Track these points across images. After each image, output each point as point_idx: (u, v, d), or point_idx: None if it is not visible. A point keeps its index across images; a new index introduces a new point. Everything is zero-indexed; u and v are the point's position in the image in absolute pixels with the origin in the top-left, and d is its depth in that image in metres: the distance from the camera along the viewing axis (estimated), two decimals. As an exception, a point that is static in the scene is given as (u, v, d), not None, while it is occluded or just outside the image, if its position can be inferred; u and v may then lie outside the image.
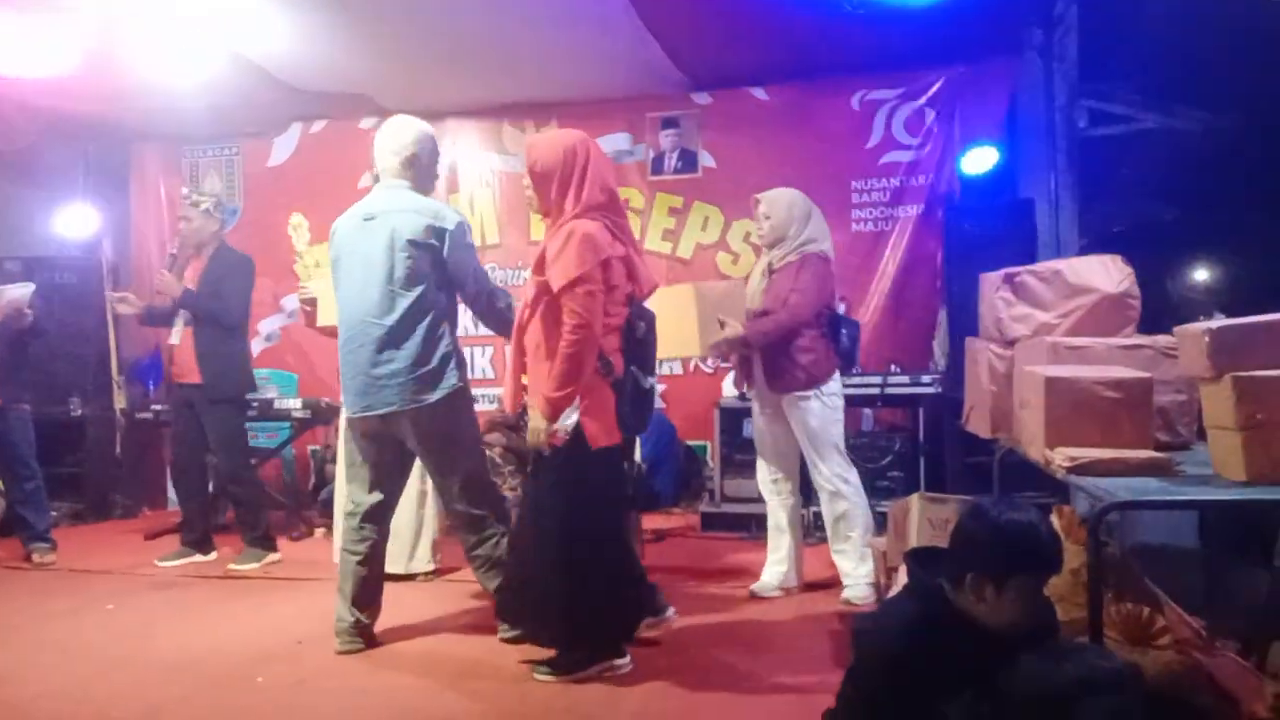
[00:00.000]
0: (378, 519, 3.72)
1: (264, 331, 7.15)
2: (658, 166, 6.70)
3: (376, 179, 3.75)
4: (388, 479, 3.74)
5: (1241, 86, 6.19)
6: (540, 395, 3.19)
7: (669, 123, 6.69)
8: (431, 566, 4.83)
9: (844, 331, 4.31)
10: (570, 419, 3.18)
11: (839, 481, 4.17)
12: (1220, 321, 2.53)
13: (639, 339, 3.24)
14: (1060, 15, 5.94)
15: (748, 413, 5.59)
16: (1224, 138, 6.61)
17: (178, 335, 5.12)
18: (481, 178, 6.98)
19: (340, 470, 4.84)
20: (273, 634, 3.93)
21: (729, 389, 5.99)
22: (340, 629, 3.69)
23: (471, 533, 3.69)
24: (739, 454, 5.63)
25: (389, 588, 4.62)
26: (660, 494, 5.90)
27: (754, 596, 4.28)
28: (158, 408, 6.29)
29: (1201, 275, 12.24)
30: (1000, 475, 5.12)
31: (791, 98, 6.44)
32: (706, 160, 6.63)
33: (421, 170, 3.72)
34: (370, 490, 3.71)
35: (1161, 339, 3.19)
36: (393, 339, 3.53)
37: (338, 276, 3.71)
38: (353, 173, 7.00)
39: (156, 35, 5.34)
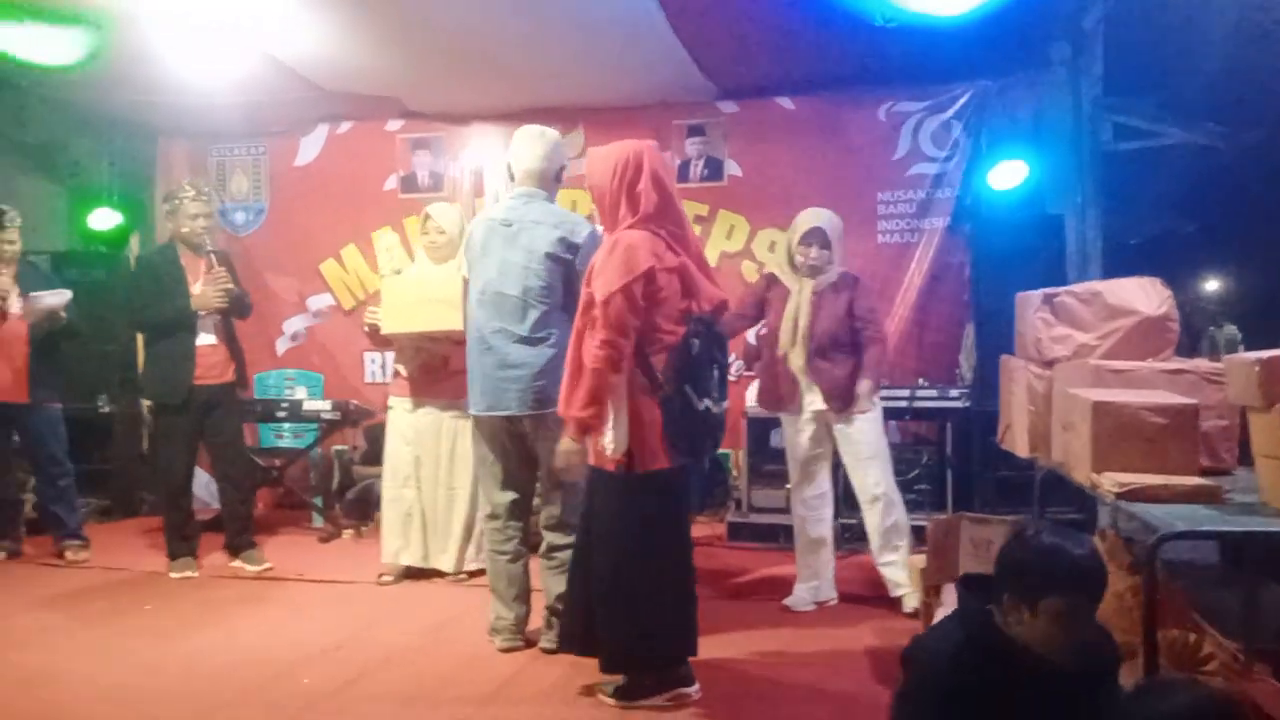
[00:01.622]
0: (518, 515, 3.84)
1: (289, 331, 7.18)
2: (683, 174, 6.71)
3: (511, 178, 3.86)
4: (518, 477, 3.84)
5: (1263, 102, 6.24)
6: (568, 413, 3.18)
7: (695, 131, 6.71)
8: (476, 567, 4.87)
9: None
10: (614, 441, 3.12)
11: (893, 491, 4.26)
12: (1272, 352, 2.56)
13: (693, 356, 3.13)
14: (1087, 30, 5.98)
15: (776, 423, 5.64)
16: (1245, 153, 6.65)
17: (209, 335, 5.03)
18: (506, 182, 6.99)
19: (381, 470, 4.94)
20: (312, 636, 3.98)
21: (753, 398, 6.03)
22: (501, 627, 3.80)
23: (562, 535, 3.73)
24: (767, 464, 5.66)
25: (441, 586, 4.69)
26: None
27: (785, 610, 4.31)
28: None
29: (1215, 287, 12.30)
30: (1022, 491, 5.18)
31: (819, 108, 6.45)
32: (732, 169, 6.66)
33: (553, 180, 3.85)
34: (503, 489, 3.82)
35: (1204, 364, 3.24)
36: (522, 347, 3.64)
37: (471, 278, 3.82)
38: (378, 174, 7.09)
39: (188, 33, 5.35)
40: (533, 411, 3.65)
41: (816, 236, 4.25)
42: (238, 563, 5.11)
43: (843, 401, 4.22)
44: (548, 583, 3.78)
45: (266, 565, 5.09)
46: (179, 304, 4.92)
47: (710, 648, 3.48)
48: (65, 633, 4.06)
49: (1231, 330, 10.50)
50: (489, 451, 3.82)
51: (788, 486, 4.58)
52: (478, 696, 3.33)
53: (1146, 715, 1.88)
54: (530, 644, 3.82)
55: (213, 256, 5.03)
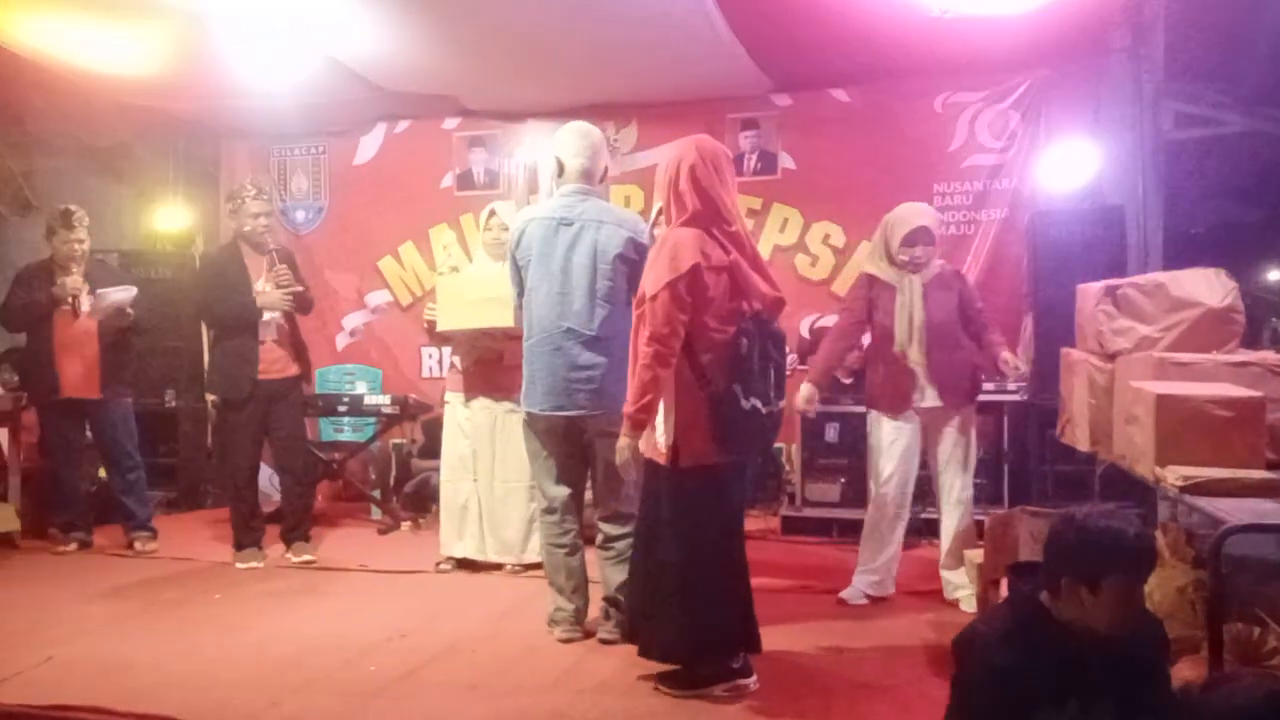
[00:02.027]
0: (573, 509, 3.91)
1: (348, 327, 7.31)
2: (737, 168, 6.69)
3: (561, 171, 3.88)
4: (573, 471, 3.91)
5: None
6: (624, 409, 3.23)
7: (748, 124, 6.72)
8: (532, 559, 4.93)
9: None
10: (663, 434, 3.18)
11: (970, 494, 4.28)
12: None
13: (742, 355, 3.13)
14: (1148, 16, 5.88)
15: (830, 417, 5.66)
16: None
17: (272, 330, 5.12)
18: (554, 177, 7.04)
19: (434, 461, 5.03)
20: (376, 625, 4.06)
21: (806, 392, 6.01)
22: (560, 618, 3.86)
23: (618, 526, 3.78)
24: (821, 458, 5.65)
25: (499, 577, 4.78)
26: (739, 495, 5.94)
27: (841, 603, 4.32)
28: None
29: (1278, 277, 12.00)
30: (1080, 485, 5.12)
31: (873, 100, 6.43)
32: (786, 162, 6.65)
33: (600, 176, 3.91)
34: (559, 483, 3.88)
35: (1270, 356, 3.19)
36: (591, 347, 3.69)
37: (530, 277, 3.79)
38: (435, 172, 7.19)
39: (253, 38, 5.47)
40: (600, 410, 3.68)
41: (923, 235, 4.23)
42: (288, 554, 5.22)
43: (958, 395, 4.22)
44: (606, 574, 3.82)
45: (307, 557, 5.18)
46: (244, 300, 5.03)
47: (768, 640, 3.47)
48: (139, 621, 4.19)
49: (1280, 325, 10.26)
50: (543, 447, 3.87)
51: (871, 485, 4.44)
52: (538, 685, 3.38)
53: (1219, 710, 1.88)
54: (589, 635, 3.86)
55: (274, 255, 5.13)
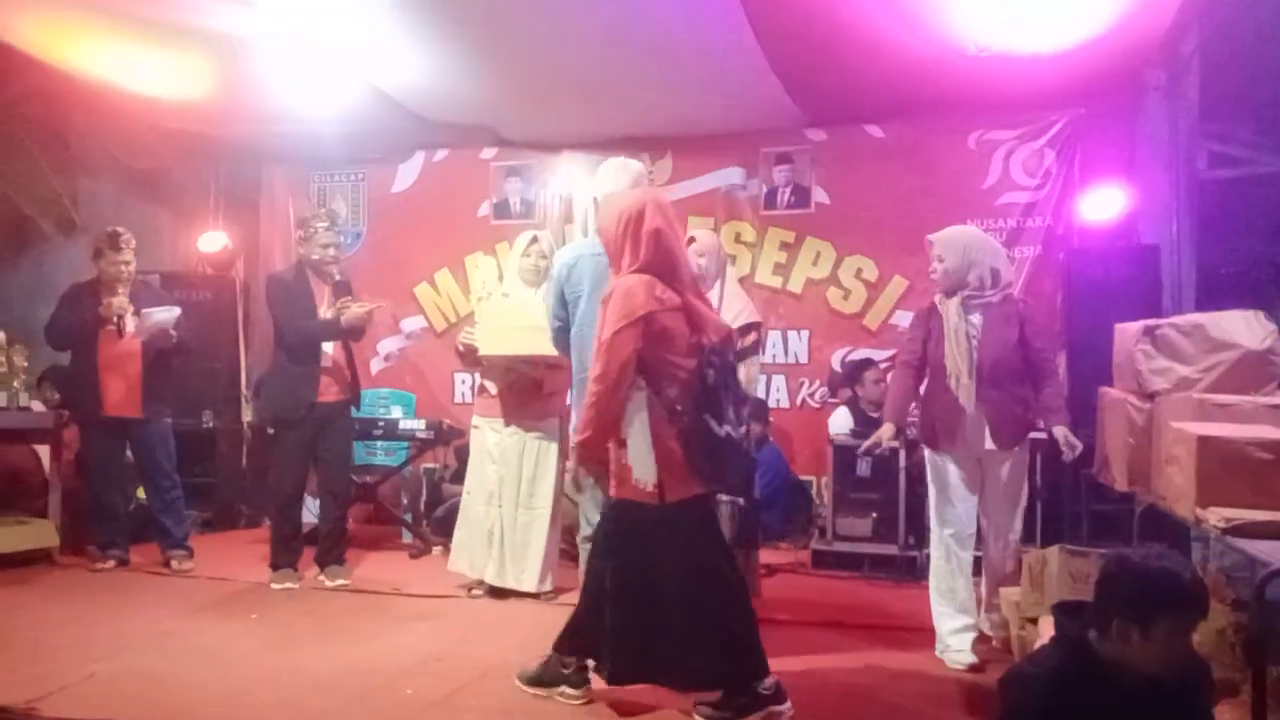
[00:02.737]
0: None
1: (383, 352, 7.40)
2: (770, 201, 6.79)
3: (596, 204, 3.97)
4: None
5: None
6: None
7: (782, 158, 6.78)
8: (551, 587, 4.97)
9: None
10: (648, 475, 3.26)
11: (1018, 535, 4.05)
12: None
13: (709, 386, 3.25)
14: (1184, 56, 5.91)
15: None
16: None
17: (330, 354, 5.22)
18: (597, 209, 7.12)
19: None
20: (411, 648, 4.10)
21: (837, 425, 6.03)
22: None
23: None
24: (853, 491, 5.65)
25: (528, 604, 4.81)
26: (769, 528, 5.94)
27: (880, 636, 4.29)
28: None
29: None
30: (1113, 524, 5.08)
31: (907, 136, 6.48)
32: (820, 196, 6.70)
33: None
34: None
35: (1312, 399, 3.20)
36: None
37: (584, 312, 3.82)
38: (472, 200, 7.29)
39: (294, 63, 5.59)
40: None
41: (935, 250, 4.04)
42: (321, 576, 5.25)
43: (1010, 434, 3.90)
44: None
45: (342, 581, 5.20)
46: (325, 324, 5.13)
47: (802, 671, 3.49)
48: (177, 638, 4.23)
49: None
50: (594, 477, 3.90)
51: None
52: (573, 711, 3.41)
53: None
54: None
55: (337, 285, 5.23)
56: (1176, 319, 3.74)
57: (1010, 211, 6.30)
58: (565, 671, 3.49)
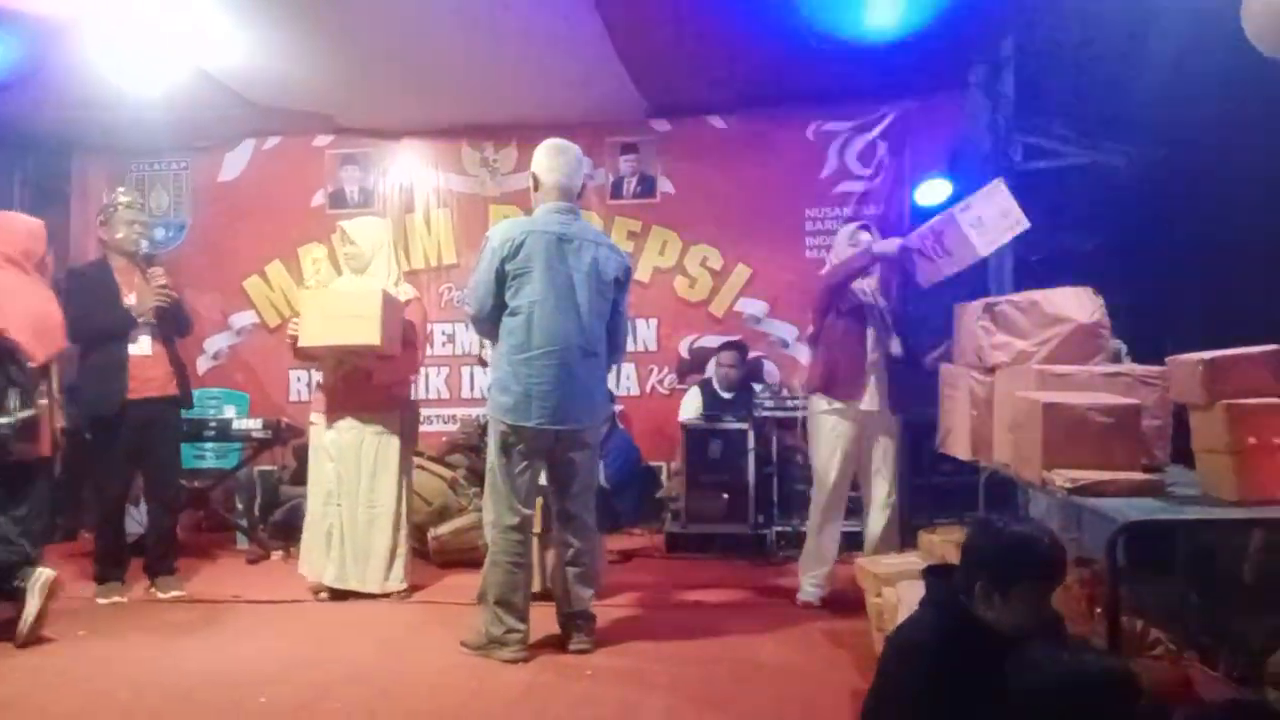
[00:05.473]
0: (529, 529, 3.93)
1: (210, 350, 7.02)
2: (616, 191, 6.81)
3: (537, 187, 3.93)
4: (537, 489, 3.97)
5: (1167, 122, 6.59)
6: None
7: (628, 148, 6.80)
8: (404, 585, 4.83)
9: None
10: None
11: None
12: (1214, 353, 2.74)
13: None
14: (1003, 54, 6.25)
15: (712, 433, 5.75)
16: (1147, 171, 7.01)
17: (146, 345, 4.84)
18: (440, 198, 6.97)
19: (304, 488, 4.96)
20: (263, 656, 3.90)
21: (689, 408, 6.13)
22: (514, 640, 3.78)
23: (583, 540, 3.90)
24: (704, 474, 5.70)
25: (381, 604, 4.66)
26: (622, 514, 5.95)
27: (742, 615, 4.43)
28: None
29: (1111, 301, 12.84)
30: (954, 494, 5.35)
31: (748, 127, 6.60)
32: (665, 186, 6.76)
33: (579, 192, 4.03)
34: (526, 504, 3.86)
35: (1139, 368, 3.42)
36: (588, 362, 3.80)
37: (531, 289, 3.75)
38: (305, 189, 7.00)
39: (118, 47, 5.22)
40: (590, 423, 3.87)
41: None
42: (152, 589, 4.93)
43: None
44: (574, 589, 3.90)
45: (176, 592, 4.91)
46: (116, 313, 4.76)
47: (690, 649, 3.51)
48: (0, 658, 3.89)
49: (1116, 343, 11.03)
50: (525, 463, 3.82)
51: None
52: (439, 705, 3.32)
53: (1042, 665, 2.14)
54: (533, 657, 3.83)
55: (145, 260, 4.87)
56: (1014, 296, 3.92)
57: (847, 200, 6.51)
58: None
